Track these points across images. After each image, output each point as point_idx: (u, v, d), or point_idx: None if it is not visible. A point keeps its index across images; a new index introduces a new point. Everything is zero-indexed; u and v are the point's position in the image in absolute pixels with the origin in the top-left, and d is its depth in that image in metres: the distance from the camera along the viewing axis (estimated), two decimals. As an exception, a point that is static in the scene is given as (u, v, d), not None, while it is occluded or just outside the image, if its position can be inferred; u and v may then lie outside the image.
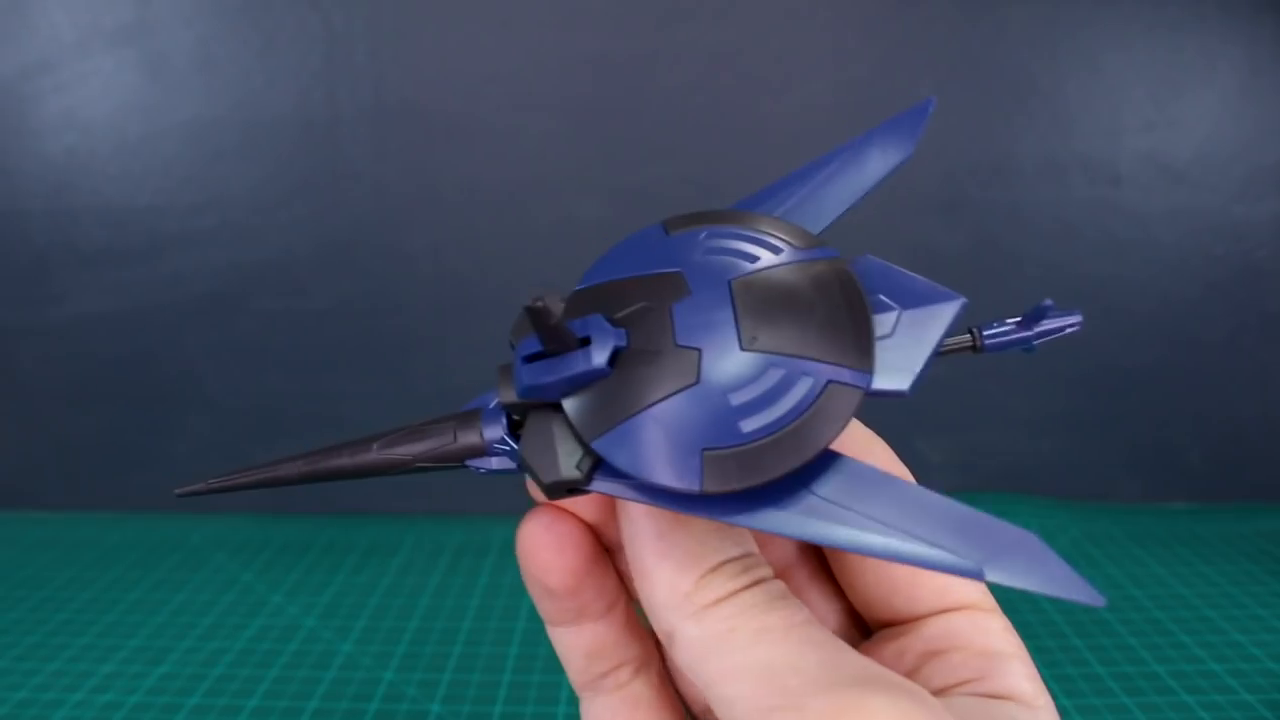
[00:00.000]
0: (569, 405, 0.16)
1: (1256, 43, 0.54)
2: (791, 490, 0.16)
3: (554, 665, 0.41)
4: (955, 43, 0.55)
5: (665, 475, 0.15)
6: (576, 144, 0.56)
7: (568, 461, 0.16)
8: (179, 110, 0.55)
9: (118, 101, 0.55)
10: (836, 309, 0.16)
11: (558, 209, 0.56)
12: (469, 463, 0.18)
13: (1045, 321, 0.18)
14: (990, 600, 0.19)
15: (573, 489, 0.17)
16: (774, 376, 0.16)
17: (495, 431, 0.18)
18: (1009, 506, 0.55)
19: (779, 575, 0.18)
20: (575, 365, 0.16)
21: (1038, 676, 0.18)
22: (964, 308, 0.17)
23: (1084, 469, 0.60)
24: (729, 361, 0.16)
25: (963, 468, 0.59)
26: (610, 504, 0.19)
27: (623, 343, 0.16)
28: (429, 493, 0.59)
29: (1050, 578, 0.14)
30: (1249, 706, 0.37)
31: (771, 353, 0.16)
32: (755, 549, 0.18)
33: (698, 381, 0.16)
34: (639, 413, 0.16)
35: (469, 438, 0.18)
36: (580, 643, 0.20)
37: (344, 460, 0.19)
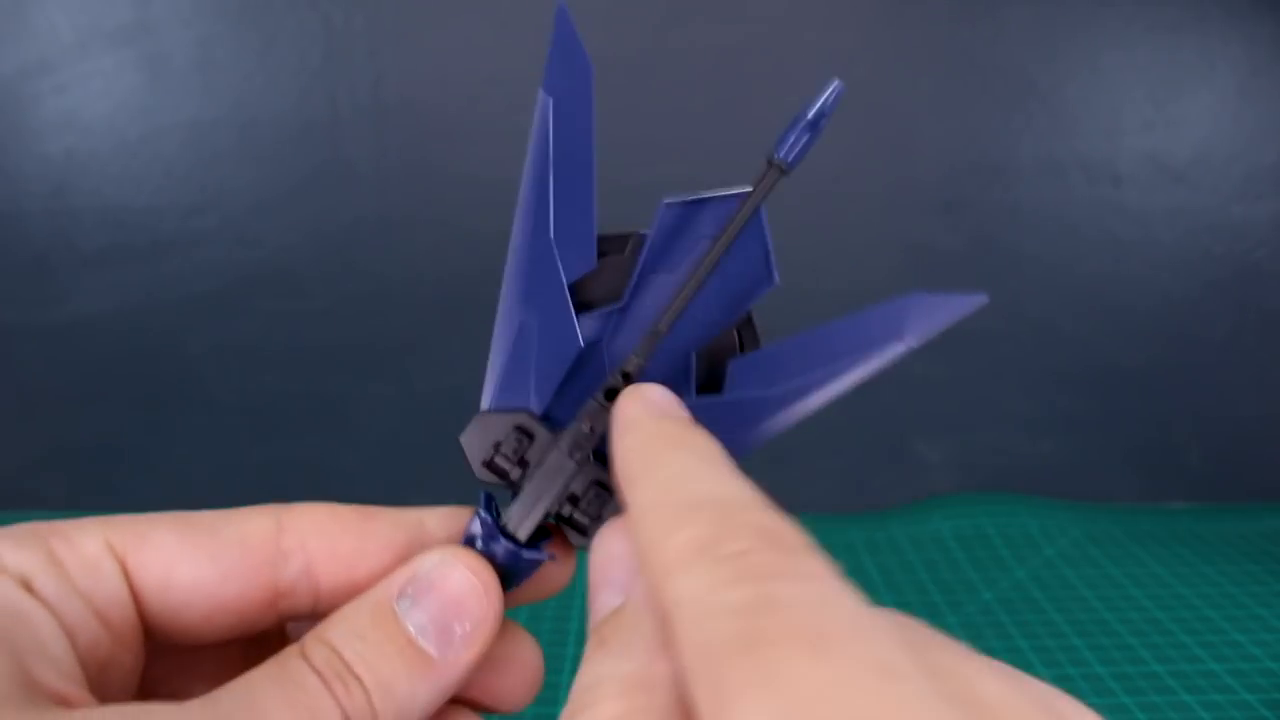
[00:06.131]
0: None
1: (1256, 43, 0.55)
2: (730, 408, 0.18)
3: (554, 665, 0.41)
4: (954, 43, 0.55)
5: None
6: (576, 144, 0.55)
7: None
8: (179, 110, 0.55)
9: (118, 102, 0.55)
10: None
11: (558, 209, 0.55)
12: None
13: (817, 101, 0.19)
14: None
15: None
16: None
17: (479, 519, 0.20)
18: (1009, 507, 0.55)
19: None
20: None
21: None
22: (744, 195, 0.19)
23: (1084, 469, 0.60)
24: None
25: (963, 468, 0.59)
26: None
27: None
28: (429, 493, 0.59)
29: (948, 308, 0.18)
30: (1249, 706, 0.37)
31: None
32: None
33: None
34: None
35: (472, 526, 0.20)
36: None
37: None
